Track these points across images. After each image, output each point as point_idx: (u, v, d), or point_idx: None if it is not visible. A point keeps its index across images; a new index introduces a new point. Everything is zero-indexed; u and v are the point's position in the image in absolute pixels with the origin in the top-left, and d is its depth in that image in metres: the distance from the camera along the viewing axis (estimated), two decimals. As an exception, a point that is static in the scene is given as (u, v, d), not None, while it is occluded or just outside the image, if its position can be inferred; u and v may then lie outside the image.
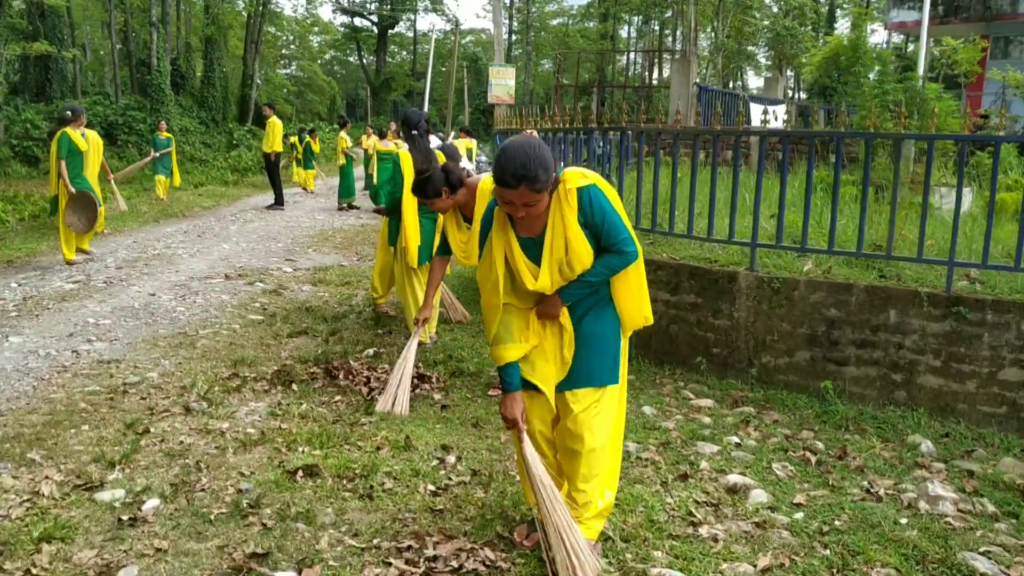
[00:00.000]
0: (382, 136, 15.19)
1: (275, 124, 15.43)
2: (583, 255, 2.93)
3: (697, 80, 14.34)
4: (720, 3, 30.51)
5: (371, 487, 3.75)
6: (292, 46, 56.18)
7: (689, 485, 3.91)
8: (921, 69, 8.34)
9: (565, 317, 3.10)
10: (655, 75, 41.57)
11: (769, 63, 47.43)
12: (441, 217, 6.05)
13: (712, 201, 5.50)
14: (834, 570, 3.22)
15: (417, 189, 4.85)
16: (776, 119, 13.80)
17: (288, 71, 55.75)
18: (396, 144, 14.08)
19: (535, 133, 2.87)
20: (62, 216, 9.13)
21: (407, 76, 54.94)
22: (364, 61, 57.21)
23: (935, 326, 4.76)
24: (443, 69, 52.58)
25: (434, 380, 5.37)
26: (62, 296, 7.50)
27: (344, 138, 16.80)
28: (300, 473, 3.85)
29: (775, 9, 32.95)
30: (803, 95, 39.56)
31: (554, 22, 57.25)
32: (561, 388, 3.14)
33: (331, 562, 3.11)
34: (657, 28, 46.41)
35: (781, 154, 9.09)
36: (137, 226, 12.65)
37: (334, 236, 12.42)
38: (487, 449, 4.29)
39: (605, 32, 48.35)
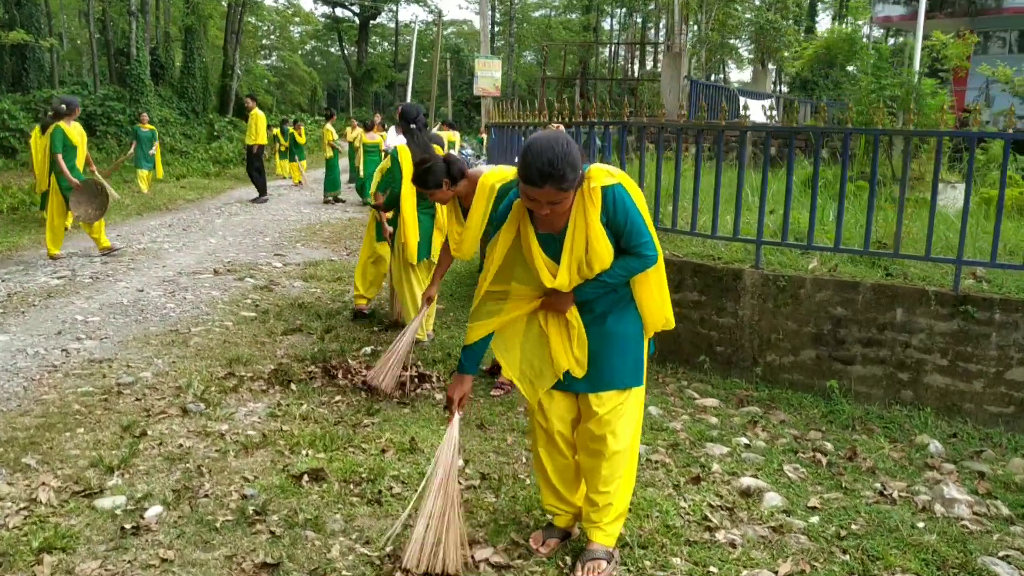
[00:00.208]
0: (368, 128, 15.04)
1: (258, 116, 15.26)
2: (603, 255, 2.86)
3: (688, 74, 14.29)
4: (704, -4, 30.50)
5: (379, 492, 3.66)
6: (272, 36, 55.71)
7: (702, 488, 3.85)
8: (916, 64, 8.33)
9: (573, 314, 3.02)
10: (638, 68, 41.58)
11: (751, 56, 47.54)
12: (439, 213, 5.98)
13: (716, 197, 5.44)
14: (855, 575, 3.17)
15: (418, 179, 4.84)
16: (765, 113, 13.78)
17: (268, 62, 55.26)
18: (382, 136, 13.98)
19: (561, 128, 2.78)
20: (52, 212, 8.95)
21: (389, 67, 54.64)
22: (345, 52, 56.82)
23: (942, 325, 4.72)
24: (425, 60, 52.29)
25: (435, 379, 5.28)
26: (48, 292, 7.34)
27: (330, 130, 16.64)
28: (306, 478, 3.76)
29: (757, 2, 32.97)
30: (784, 89, 39.67)
31: (536, 14, 57.07)
32: (584, 389, 3.07)
33: (344, 572, 3.03)
34: (640, 21, 46.38)
35: (777, 150, 9.06)
36: (120, 220, 12.44)
37: (322, 230, 12.28)
38: (494, 452, 4.21)
39: (588, 24, 48.27)
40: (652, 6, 36.39)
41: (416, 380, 5.24)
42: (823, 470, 4.15)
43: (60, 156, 8.72)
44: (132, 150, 15.38)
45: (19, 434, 4.13)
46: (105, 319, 6.50)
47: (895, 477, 4.10)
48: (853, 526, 3.54)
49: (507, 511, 3.56)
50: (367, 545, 3.22)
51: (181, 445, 4.12)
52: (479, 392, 5.11)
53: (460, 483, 3.77)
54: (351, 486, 3.73)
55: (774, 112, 5.13)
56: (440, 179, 4.77)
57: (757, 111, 13.29)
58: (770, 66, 33.07)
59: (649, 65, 44.87)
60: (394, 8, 58.19)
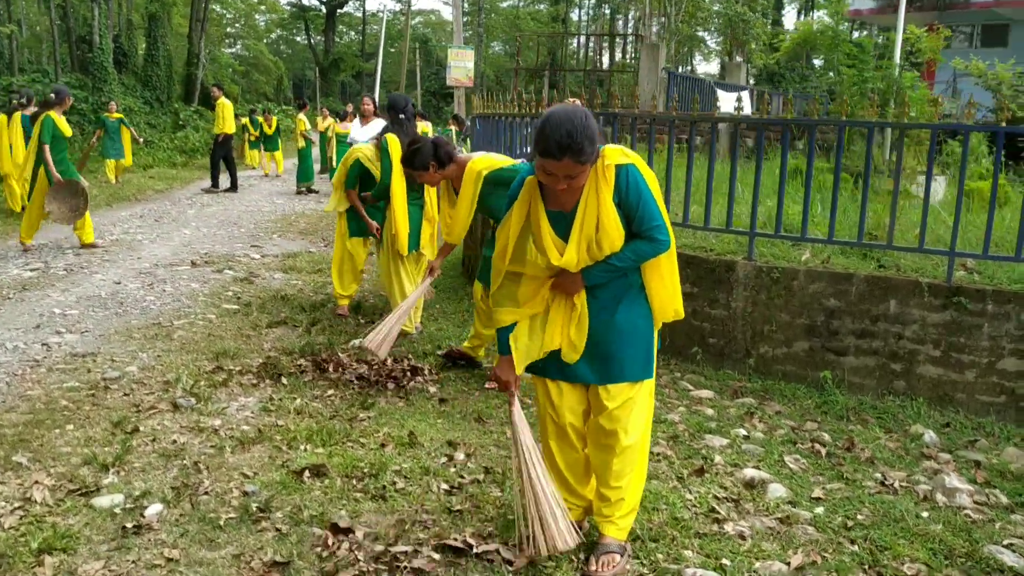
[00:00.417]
0: (342, 118, 14.89)
1: (225, 105, 15.03)
2: (613, 235, 2.82)
3: (665, 66, 14.32)
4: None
5: (383, 487, 3.61)
6: (237, 24, 54.94)
7: (706, 480, 3.85)
8: (897, 58, 8.42)
9: (580, 298, 2.98)
10: (608, 59, 41.62)
11: (718, 48, 47.81)
12: (428, 205, 5.93)
13: (709, 189, 5.44)
14: (865, 566, 3.18)
15: (406, 159, 4.93)
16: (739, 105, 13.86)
17: (233, 50, 54.51)
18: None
19: (578, 103, 2.76)
20: (34, 201, 8.72)
21: (356, 57, 54.10)
22: (312, 41, 56.21)
23: (935, 316, 4.76)
24: (392, 51, 51.90)
25: (427, 372, 5.23)
26: (22, 285, 7.16)
27: (303, 120, 16.44)
28: (307, 473, 3.69)
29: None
30: (751, 81, 39.99)
31: (505, 4, 56.82)
32: (593, 381, 3.03)
33: (355, 569, 2.97)
34: (608, 13, 46.40)
35: (770, 142, 9.06)
36: (89, 210, 12.14)
37: (297, 221, 12.13)
38: (494, 445, 4.17)
39: (557, 15, 48.16)
40: (621, -3, 36.46)
41: (409, 373, 5.18)
42: (823, 461, 4.17)
43: (47, 147, 8.46)
44: (96, 139, 15.04)
45: (7, 431, 4.01)
46: (84, 312, 6.35)
47: (894, 467, 4.12)
48: (859, 516, 3.56)
49: (514, 505, 3.51)
50: (376, 541, 3.17)
51: (175, 441, 4.03)
52: (473, 386, 5.07)
53: (464, 477, 3.76)
54: (353, 481, 3.67)
55: (741, 104, 5.13)
56: (427, 161, 4.83)
57: (732, 103, 13.33)
58: (737, 58, 33.34)
59: (618, 57, 44.97)
60: (361, -3, 57.74)
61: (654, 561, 3.13)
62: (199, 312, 6.51)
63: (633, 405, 3.03)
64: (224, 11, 49.02)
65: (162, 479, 3.62)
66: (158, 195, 14.89)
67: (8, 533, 3.11)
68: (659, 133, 7.96)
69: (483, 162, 4.73)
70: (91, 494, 3.44)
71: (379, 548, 3.11)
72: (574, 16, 51.64)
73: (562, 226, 2.89)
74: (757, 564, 3.13)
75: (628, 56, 42.00)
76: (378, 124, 10.44)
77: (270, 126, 18.51)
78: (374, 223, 6.23)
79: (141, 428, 4.15)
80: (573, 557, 3.13)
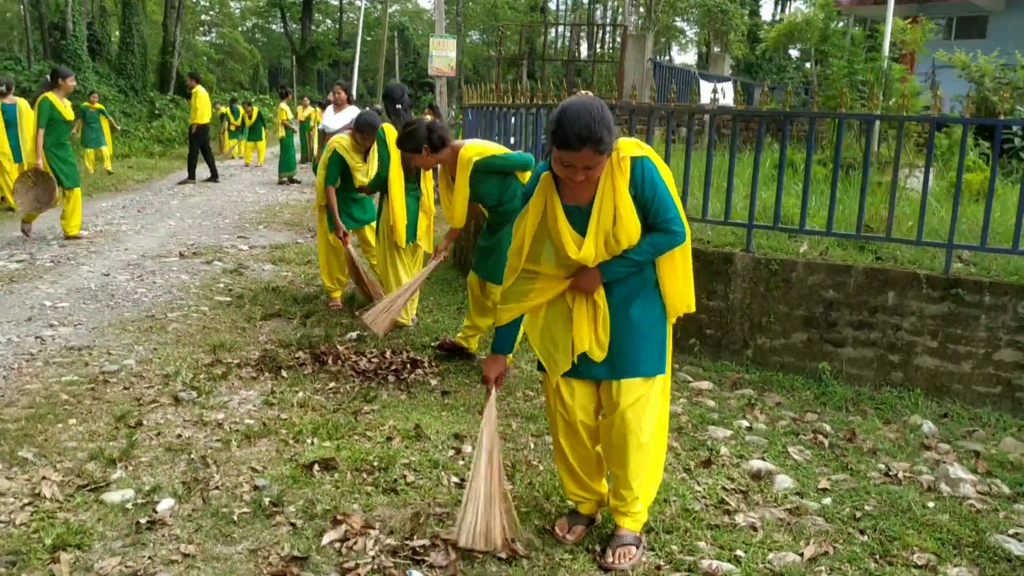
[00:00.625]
0: (324, 107, 14.77)
1: (199, 95, 14.87)
2: (631, 228, 2.82)
3: (651, 56, 14.34)
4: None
5: (394, 480, 3.60)
6: (212, 12, 54.32)
7: (713, 472, 3.87)
8: (886, 50, 8.50)
9: (600, 295, 2.98)
10: (587, 49, 41.58)
11: (696, 39, 47.91)
12: (425, 196, 5.91)
13: (707, 180, 5.46)
14: (876, 556, 3.22)
15: (400, 141, 4.96)
16: (725, 96, 13.91)
17: (208, 38, 53.92)
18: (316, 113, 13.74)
19: (591, 93, 2.77)
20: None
21: (333, 45, 53.69)
22: (288, 29, 55.70)
23: (933, 308, 4.82)
24: (369, 39, 51.50)
25: (426, 365, 5.22)
26: (10, 277, 7.05)
27: (284, 110, 16.30)
28: (316, 467, 3.68)
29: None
30: (728, 72, 40.12)
31: (482, -8, 56.58)
32: (606, 376, 3.02)
33: (374, 564, 2.96)
34: (587, 2, 46.35)
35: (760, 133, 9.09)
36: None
37: (281, 212, 12.05)
38: (501, 438, 4.17)
39: (535, 4, 48.03)
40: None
41: (409, 366, 5.17)
42: (826, 452, 4.21)
43: (42, 131, 8.29)
44: (76, 131, 14.82)
45: (9, 426, 3.95)
46: (75, 305, 6.28)
47: (896, 458, 4.17)
48: (866, 507, 3.60)
49: (526, 498, 3.53)
50: (392, 535, 3.17)
51: (180, 435, 4.00)
52: (474, 378, 5.07)
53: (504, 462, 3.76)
54: (363, 475, 3.66)
55: (719, 96, 5.20)
56: (420, 144, 4.84)
57: (719, 94, 13.39)
58: (715, 49, 33.44)
59: (597, 47, 44.89)
60: (338, -16, 57.26)
61: (669, 553, 3.15)
62: (192, 304, 6.46)
63: (646, 402, 3.02)
64: (199, -2, 48.51)
65: (171, 473, 3.59)
66: (139, 185, 14.73)
67: (20, 530, 3.07)
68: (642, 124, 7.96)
69: (473, 149, 4.79)
70: (100, 489, 3.41)
71: (395, 542, 3.11)
72: (552, 5, 51.57)
73: (579, 220, 2.89)
74: (771, 555, 3.16)
75: (607, 46, 41.98)
76: (351, 112, 10.43)
77: (251, 117, 18.34)
78: (342, 226, 6.20)
79: (144, 422, 4.12)
80: (588, 548, 3.15)
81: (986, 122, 4.71)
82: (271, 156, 20.55)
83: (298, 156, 17.79)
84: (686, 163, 5.52)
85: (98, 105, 15.55)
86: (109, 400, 4.39)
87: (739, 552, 3.17)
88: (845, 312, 5.03)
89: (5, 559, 2.87)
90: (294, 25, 54.73)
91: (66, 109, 8.49)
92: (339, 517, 3.24)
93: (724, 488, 3.71)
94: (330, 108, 11.03)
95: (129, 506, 3.28)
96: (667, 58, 47.52)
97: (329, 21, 60.80)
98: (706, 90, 12.67)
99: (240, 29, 56.91)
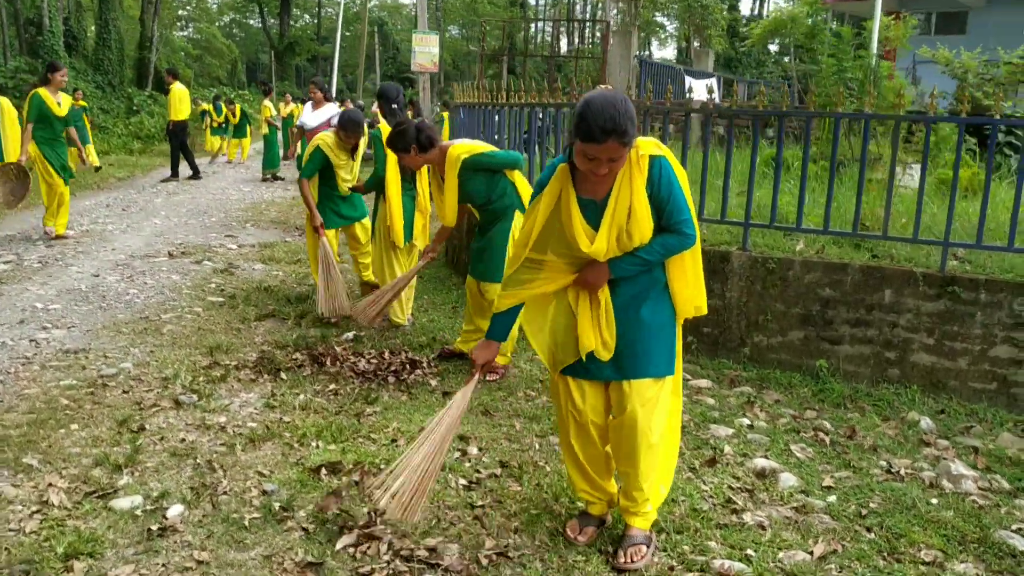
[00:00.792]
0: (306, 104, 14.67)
1: (177, 91, 14.75)
2: (644, 225, 2.83)
3: (637, 52, 14.36)
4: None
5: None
6: (189, 7, 53.82)
7: (718, 471, 3.90)
8: (874, 47, 8.56)
9: (604, 292, 2.99)
10: (566, 45, 41.56)
11: (676, 34, 48.02)
12: (420, 196, 5.90)
13: (703, 179, 5.48)
14: (884, 554, 3.25)
15: (389, 141, 4.98)
16: (711, 93, 13.97)
17: (185, 33, 53.44)
18: (298, 108, 13.67)
19: (610, 87, 2.76)
20: (41, 186, 8.45)
21: (312, 40, 53.36)
22: (266, 24, 55.26)
23: (929, 305, 4.87)
24: (348, 34, 51.23)
25: (425, 365, 5.22)
26: (-2, 278, 6.98)
27: (268, 106, 16.20)
28: (323, 470, 3.67)
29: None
30: (712, 68, 40.26)
31: (462, -13, 56.40)
32: (616, 377, 3.02)
33: (389, 568, 2.96)
34: (567, -2, 46.32)
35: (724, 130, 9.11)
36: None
37: (268, 210, 11.98)
38: (506, 439, 4.18)
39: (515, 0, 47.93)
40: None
41: (408, 366, 5.17)
42: (828, 449, 4.25)
43: (31, 126, 8.18)
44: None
45: (12, 432, 3.91)
46: (67, 307, 6.22)
47: (896, 454, 4.22)
48: (871, 504, 3.63)
49: (536, 499, 3.54)
50: (404, 539, 3.16)
51: (184, 440, 3.98)
52: (475, 377, 5.06)
53: (480, 472, 3.77)
54: (371, 478, 3.65)
55: (713, 93, 5.23)
56: (409, 144, 4.86)
57: (701, 90, 13.46)
58: (696, 44, 33.53)
59: (577, 43, 44.88)
60: (316, -21, 56.88)
61: (681, 553, 3.17)
62: (185, 305, 6.41)
63: (656, 403, 3.02)
64: (176, -7, 48.01)
65: (178, 479, 3.57)
66: (121, 183, 14.59)
67: (30, 538, 3.04)
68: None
69: (461, 148, 4.84)
70: (108, 496, 3.38)
71: (408, 546, 3.11)
72: (531, 0, 51.47)
73: (593, 214, 2.88)
74: (780, 554, 3.19)
75: (587, 42, 41.98)
76: (329, 109, 10.43)
77: (234, 115, 18.21)
78: (319, 218, 6.16)
79: (147, 426, 4.09)
80: (602, 550, 3.16)
81: (982, 121, 4.73)
82: (254, 153, 20.44)
83: (282, 152, 17.71)
84: (681, 159, 5.54)
85: (82, 103, 15.39)
86: (109, 404, 4.36)
87: (749, 551, 3.19)
88: (842, 310, 5.07)
89: (18, 568, 2.85)
90: (272, 20, 54.27)
91: (57, 106, 8.39)
92: (350, 523, 3.24)
93: (730, 487, 3.74)
94: (308, 105, 11.03)
95: (139, 513, 3.26)
96: (647, 53, 47.62)
97: (308, 16, 60.44)
98: (695, 87, 12.71)
99: (217, 24, 56.48)
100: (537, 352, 3.18)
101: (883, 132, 7.88)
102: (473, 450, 4.01)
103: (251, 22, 60.33)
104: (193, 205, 12.06)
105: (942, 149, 8.12)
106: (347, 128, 6.01)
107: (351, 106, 15.11)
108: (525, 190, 4.95)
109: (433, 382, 4.97)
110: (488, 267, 4.99)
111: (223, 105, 18.57)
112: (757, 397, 4.91)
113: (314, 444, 3.98)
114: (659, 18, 42.96)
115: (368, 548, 3.08)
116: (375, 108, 12.00)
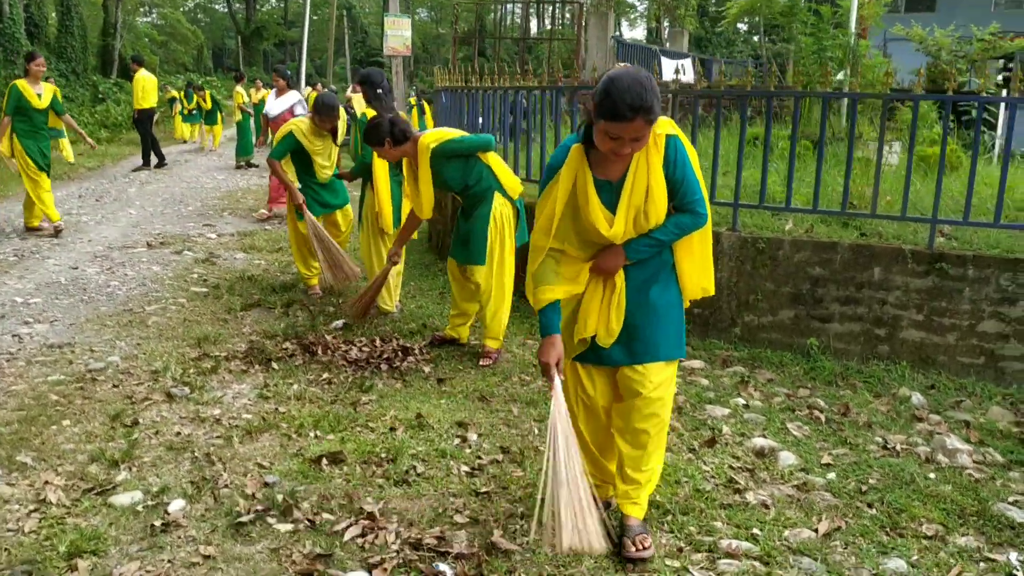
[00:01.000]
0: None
1: (141, 79, 14.52)
2: (660, 205, 2.79)
3: (615, 34, 14.31)
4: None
5: (405, 472, 3.58)
6: (152, -8, 52.89)
7: (718, 451, 3.92)
8: (852, 26, 8.59)
9: (620, 277, 2.94)
10: (537, 26, 41.36)
11: (646, 14, 47.96)
12: (407, 182, 5.84)
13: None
14: (887, 529, 3.28)
15: (364, 135, 5.01)
16: (685, 73, 13.95)
17: (149, 19, 52.54)
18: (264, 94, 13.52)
19: (627, 66, 2.70)
20: (25, 180, 8.29)
21: (279, 25, 52.75)
22: (232, 9, 54.51)
23: (918, 282, 4.91)
24: (315, 18, 50.62)
25: (417, 352, 5.19)
26: (-27, 273, 6.84)
27: (240, 93, 15.99)
28: (324, 461, 3.64)
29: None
30: (687, 48, 40.26)
31: (429, -31, 55.92)
32: (627, 362, 2.99)
33: (399, 558, 2.94)
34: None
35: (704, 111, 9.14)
36: (21, 190, 11.64)
37: (244, 198, 11.84)
38: (504, 424, 4.17)
39: (484, -19, 47.53)
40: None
41: (400, 353, 5.14)
42: (824, 427, 4.28)
43: (8, 119, 7.99)
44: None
45: (2, 430, 3.84)
46: (48, 300, 6.11)
47: (890, 430, 4.26)
48: (871, 480, 3.67)
49: (539, 485, 3.51)
50: (411, 527, 3.15)
51: (179, 433, 3.93)
52: (467, 364, 5.05)
53: (482, 459, 3.75)
54: (372, 467, 3.63)
55: (680, 75, 5.23)
56: (383, 137, 4.89)
57: (669, 71, 13.44)
58: (665, 23, 33.50)
59: (547, 24, 44.67)
60: (282, -37, 56.12)
61: (688, 534, 3.18)
62: (168, 296, 6.33)
63: (666, 387, 3.01)
64: (138, -22, 47.12)
65: (176, 473, 3.52)
66: (91, 173, 14.36)
67: (30, 538, 2.99)
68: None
69: (430, 136, 4.84)
70: (107, 492, 3.33)
71: (416, 535, 3.09)
72: (502, -18, 51.08)
73: (608, 196, 2.82)
74: (786, 532, 3.21)
75: (557, 22, 41.82)
76: (291, 96, 10.37)
77: (205, 101, 17.95)
78: (300, 196, 6.14)
79: (140, 421, 4.03)
80: (609, 533, 3.15)
81: (968, 99, 4.77)
82: (226, 140, 20.19)
83: (255, 139, 17.51)
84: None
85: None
86: (100, 399, 4.29)
87: (755, 530, 3.21)
88: (831, 288, 5.11)
89: (20, 569, 2.80)
90: (238, 4, 53.61)
91: (37, 97, 8.20)
92: (356, 513, 3.22)
93: (731, 467, 3.76)
94: (272, 93, 10.93)
95: (139, 508, 3.22)
96: (617, 33, 47.51)
97: (274, 0, 59.66)
98: (669, 68, 12.70)
99: (182, 9, 55.56)
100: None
101: (862, 111, 7.91)
102: (473, 436, 3.99)
103: (216, 7, 59.53)
104: (168, 194, 11.90)
105: (920, 127, 8.17)
106: (321, 112, 5.95)
107: (323, 90, 14.94)
108: (501, 171, 4.95)
109: (426, 368, 4.94)
110: (471, 251, 4.98)
111: (193, 92, 18.29)
112: (750, 377, 4.94)
113: (312, 434, 3.95)
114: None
115: (376, 538, 3.06)
116: (349, 93, 11.91)
